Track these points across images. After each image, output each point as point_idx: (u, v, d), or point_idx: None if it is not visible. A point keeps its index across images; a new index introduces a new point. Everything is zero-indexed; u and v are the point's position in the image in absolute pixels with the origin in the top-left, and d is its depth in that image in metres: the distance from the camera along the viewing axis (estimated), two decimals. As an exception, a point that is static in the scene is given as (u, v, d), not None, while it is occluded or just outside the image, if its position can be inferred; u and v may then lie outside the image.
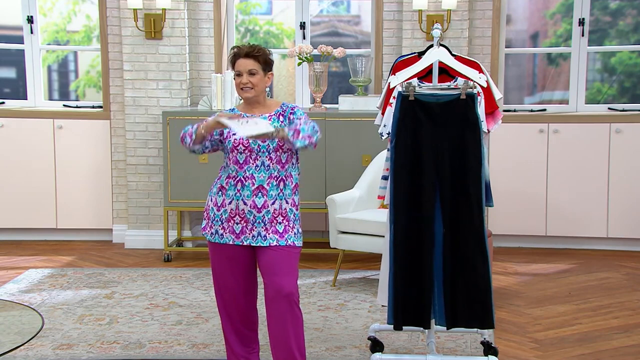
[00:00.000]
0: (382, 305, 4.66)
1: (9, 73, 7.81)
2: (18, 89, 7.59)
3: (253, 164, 3.93)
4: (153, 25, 6.80)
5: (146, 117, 6.92)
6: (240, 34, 7.43)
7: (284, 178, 3.99)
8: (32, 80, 7.31)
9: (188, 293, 5.77)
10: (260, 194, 3.93)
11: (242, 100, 4.16)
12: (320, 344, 4.79)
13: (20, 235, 7.30)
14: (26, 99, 7.37)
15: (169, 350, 4.72)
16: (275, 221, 3.97)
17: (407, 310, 4.19)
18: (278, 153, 3.95)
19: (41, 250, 6.99)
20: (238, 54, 3.99)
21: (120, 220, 7.22)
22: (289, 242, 3.99)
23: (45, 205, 7.21)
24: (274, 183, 3.95)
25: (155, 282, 6.04)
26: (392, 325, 4.22)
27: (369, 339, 4.59)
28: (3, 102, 7.37)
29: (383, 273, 4.48)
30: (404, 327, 4.23)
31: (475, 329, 4.35)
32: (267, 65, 4.01)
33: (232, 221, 3.97)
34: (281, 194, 3.97)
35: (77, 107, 7.34)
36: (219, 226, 4.00)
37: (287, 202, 3.99)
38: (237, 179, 3.95)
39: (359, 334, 4.95)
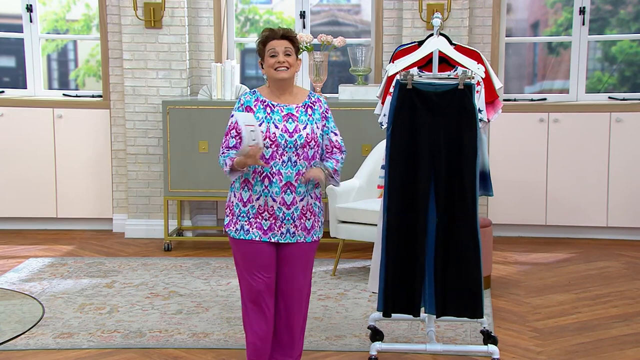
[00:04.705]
0: (373, 292, 4.66)
1: (9, 62, 7.79)
2: (17, 78, 7.57)
3: (280, 159, 3.80)
4: (153, 14, 6.78)
5: (146, 106, 6.91)
6: (240, 23, 7.41)
7: None
8: (32, 69, 7.29)
9: (188, 282, 5.77)
10: (288, 190, 3.81)
11: (266, 84, 3.94)
12: (320, 333, 4.80)
13: (20, 225, 7.30)
14: (26, 88, 7.36)
15: (169, 339, 4.73)
16: (304, 217, 3.88)
17: (397, 297, 4.20)
18: (305, 149, 3.82)
19: (41, 240, 6.99)
20: (272, 36, 3.83)
21: (121, 209, 7.22)
22: (315, 237, 3.94)
23: (45, 195, 7.21)
24: (302, 179, 3.83)
25: (155, 271, 6.04)
26: (382, 312, 4.23)
27: (369, 328, 4.59)
28: (3, 91, 7.36)
29: (375, 260, 4.49)
30: (392, 315, 4.24)
31: (475, 318, 4.35)
32: (298, 50, 3.90)
33: (260, 217, 3.83)
34: (308, 190, 3.88)
35: (76, 96, 7.33)
36: (245, 222, 3.84)
37: (311, 197, 3.90)
38: (264, 174, 3.81)
39: (359, 323, 4.95)
